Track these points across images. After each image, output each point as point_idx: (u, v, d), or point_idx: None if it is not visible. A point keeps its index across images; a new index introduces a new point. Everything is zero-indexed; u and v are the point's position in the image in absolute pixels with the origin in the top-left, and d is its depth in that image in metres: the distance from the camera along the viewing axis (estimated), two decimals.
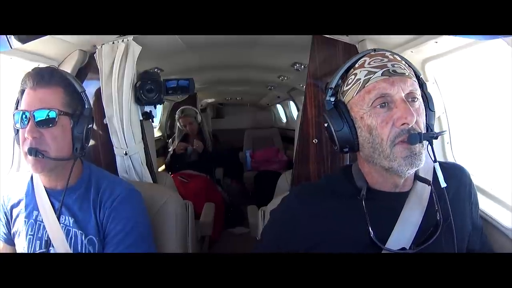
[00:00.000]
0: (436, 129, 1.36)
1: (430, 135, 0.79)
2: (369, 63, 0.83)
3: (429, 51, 1.20)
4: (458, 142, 1.37)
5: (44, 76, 1.00)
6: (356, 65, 0.86)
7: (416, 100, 0.81)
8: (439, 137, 1.33)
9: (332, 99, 0.88)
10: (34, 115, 0.98)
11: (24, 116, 0.98)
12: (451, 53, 1.15)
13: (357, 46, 1.48)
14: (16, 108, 1.02)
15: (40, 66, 1.08)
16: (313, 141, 1.55)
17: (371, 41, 1.37)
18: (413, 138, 0.77)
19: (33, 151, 0.97)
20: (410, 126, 0.77)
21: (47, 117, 0.99)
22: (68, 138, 1.03)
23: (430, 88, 1.30)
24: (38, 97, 0.99)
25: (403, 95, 0.78)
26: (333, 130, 0.85)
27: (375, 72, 0.81)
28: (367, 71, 0.82)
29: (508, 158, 1.16)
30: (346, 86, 0.86)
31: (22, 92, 1.01)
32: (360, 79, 0.82)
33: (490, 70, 1.21)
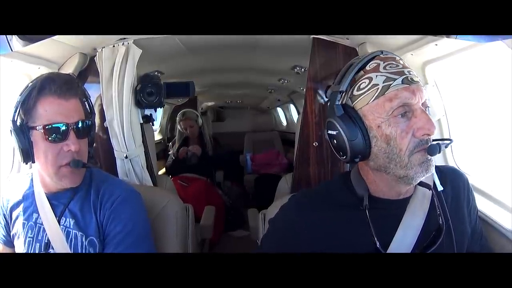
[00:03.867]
0: (436, 132, 1.37)
1: (446, 145, 0.78)
2: (384, 68, 0.78)
3: (429, 53, 1.21)
4: (459, 144, 1.37)
5: (73, 85, 0.99)
6: (368, 68, 0.80)
7: (428, 109, 0.79)
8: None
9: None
10: (75, 127, 0.98)
11: (61, 128, 0.96)
12: (451, 55, 1.15)
13: (357, 49, 1.48)
14: (18, 112, 0.97)
15: (57, 73, 1.07)
16: (314, 144, 1.55)
17: (371, 44, 1.37)
18: (433, 149, 0.75)
19: (80, 163, 0.99)
20: (430, 136, 0.76)
21: (85, 128, 1.01)
22: (87, 144, 1.06)
23: (431, 91, 1.31)
24: (73, 107, 0.98)
25: (421, 104, 0.77)
26: (346, 139, 0.79)
27: (395, 79, 0.76)
28: (385, 77, 0.77)
29: (508, 160, 1.16)
30: (357, 91, 0.80)
31: (36, 98, 0.95)
32: (377, 84, 0.77)
33: (490, 72, 1.22)
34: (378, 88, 0.77)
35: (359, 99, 0.80)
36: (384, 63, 0.79)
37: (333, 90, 0.82)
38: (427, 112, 0.78)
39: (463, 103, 1.37)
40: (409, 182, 0.79)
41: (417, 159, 0.76)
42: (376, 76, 0.78)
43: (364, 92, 0.79)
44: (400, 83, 0.76)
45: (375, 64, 0.80)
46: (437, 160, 1.36)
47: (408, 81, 0.76)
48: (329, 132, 0.83)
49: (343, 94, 0.82)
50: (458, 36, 0.85)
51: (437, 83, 1.32)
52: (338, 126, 0.80)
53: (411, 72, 0.78)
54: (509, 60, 0.90)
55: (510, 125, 1.14)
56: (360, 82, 0.80)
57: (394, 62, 0.79)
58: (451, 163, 1.36)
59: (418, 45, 1.16)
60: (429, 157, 0.77)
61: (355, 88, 0.81)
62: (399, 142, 0.76)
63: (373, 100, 0.78)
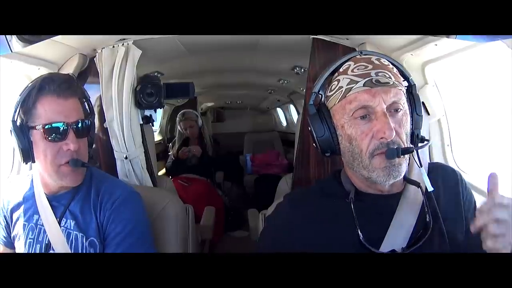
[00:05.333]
0: (436, 132, 1.37)
1: (410, 150, 0.79)
2: (352, 70, 0.82)
3: (429, 54, 1.20)
4: (459, 144, 1.37)
5: (72, 84, 1.00)
6: (341, 70, 0.85)
7: (399, 110, 0.80)
8: (439, 140, 1.32)
9: (318, 102, 0.89)
10: (75, 127, 0.98)
11: (60, 128, 0.97)
12: (451, 55, 1.15)
13: (357, 49, 1.48)
14: (18, 112, 0.97)
15: (56, 73, 1.07)
16: (314, 144, 1.54)
17: (371, 44, 1.37)
18: (390, 153, 0.77)
19: (79, 162, 0.99)
20: (389, 140, 0.77)
21: (85, 127, 1.01)
22: (87, 144, 1.06)
23: (430, 91, 1.31)
24: (72, 107, 0.99)
25: (384, 107, 0.78)
26: (315, 135, 0.87)
27: (357, 82, 0.79)
28: (349, 80, 0.81)
29: (508, 160, 1.16)
30: (329, 92, 0.85)
31: (35, 98, 0.95)
32: (342, 87, 0.81)
33: (490, 72, 1.21)
34: (342, 91, 0.81)
35: (330, 99, 0.85)
36: (354, 64, 0.83)
37: (312, 91, 0.87)
38: (400, 113, 0.80)
39: (463, 103, 1.37)
40: (378, 184, 0.81)
41: (378, 162, 0.79)
42: (343, 78, 0.82)
43: (333, 94, 0.84)
44: (361, 86, 0.79)
45: (346, 66, 0.84)
46: (437, 160, 1.37)
47: (371, 84, 0.78)
48: (309, 128, 0.89)
49: (317, 94, 0.87)
50: (458, 36, 0.85)
51: (437, 83, 1.32)
52: (310, 123, 0.87)
53: (379, 73, 0.79)
54: (509, 60, 0.90)
55: (510, 125, 1.13)
56: (332, 84, 0.85)
57: (365, 64, 0.82)
58: (451, 163, 1.35)
59: (418, 45, 1.16)
60: (393, 162, 0.78)
61: (328, 89, 0.86)
62: (359, 142, 0.80)
63: (338, 102, 0.83)
